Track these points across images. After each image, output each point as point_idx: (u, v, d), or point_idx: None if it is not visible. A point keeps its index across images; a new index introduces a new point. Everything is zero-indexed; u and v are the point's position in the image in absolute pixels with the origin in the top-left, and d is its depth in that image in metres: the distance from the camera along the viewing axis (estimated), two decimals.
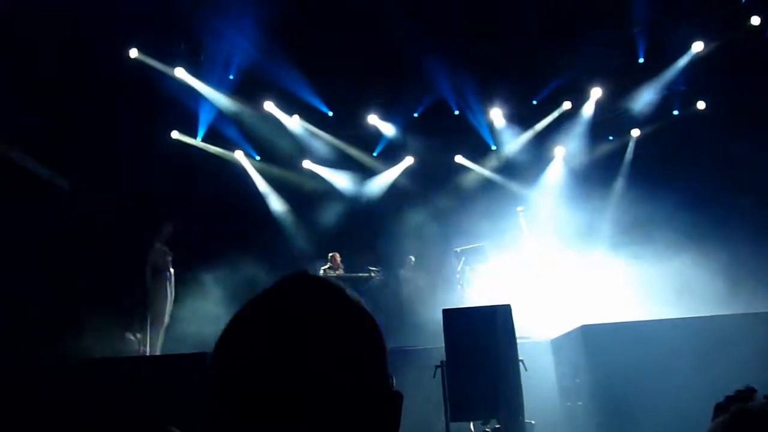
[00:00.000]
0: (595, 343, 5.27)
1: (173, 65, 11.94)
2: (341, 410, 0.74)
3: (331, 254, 11.45)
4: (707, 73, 12.05)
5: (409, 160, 14.02)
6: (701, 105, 12.66)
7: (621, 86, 12.86)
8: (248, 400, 0.74)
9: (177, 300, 9.46)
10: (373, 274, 11.31)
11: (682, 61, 12.10)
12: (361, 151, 14.05)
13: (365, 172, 14.10)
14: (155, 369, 5.69)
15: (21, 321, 8.62)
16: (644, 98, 12.94)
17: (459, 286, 10.09)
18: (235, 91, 12.64)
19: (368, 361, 0.80)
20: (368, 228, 13.00)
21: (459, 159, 14.01)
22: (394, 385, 0.86)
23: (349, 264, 11.66)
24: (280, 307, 0.80)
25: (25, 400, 5.08)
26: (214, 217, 12.04)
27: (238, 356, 0.77)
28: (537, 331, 7.89)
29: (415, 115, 13.56)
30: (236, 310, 0.84)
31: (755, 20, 10.91)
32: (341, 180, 13.97)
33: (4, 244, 8.58)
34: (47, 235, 9.35)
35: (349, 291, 0.87)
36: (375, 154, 14.15)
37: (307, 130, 13.60)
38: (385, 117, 13.61)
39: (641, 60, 12.21)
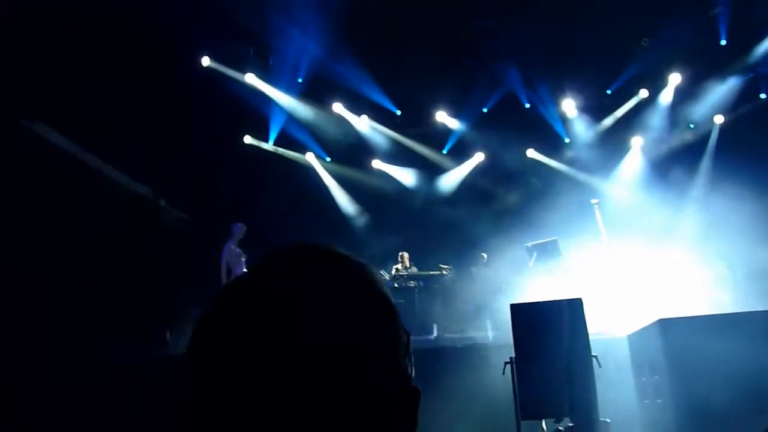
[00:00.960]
0: (674, 338, 5.00)
1: (244, 71, 12.25)
2: (329, 410, 0.65)
3: (400, 253, 11.46)
4: None
5: (479, 157, 13.83)
6: None
7: (702, 71, 12.23)
8: (222, 398, 0.65)
9: None
10: (444, 272, 11.22)
11: None
12: (430, 148, 13.98)
13: (436, 170, 14.02)
14: None
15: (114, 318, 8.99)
16: (728, 83, 12.25)
17: (531, 282, 9.85)
18: (304, 93, 12.86)
19: (370, 354, 0.68)
20: (440, 226, 12.90)
21: (531, 153, 13.70)
22: (413, 378, 0.75)
23: (422, 262, 11.61)
24: (263, 288, 0.70)
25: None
26: (286, 219, 12.26)
27: (212, 345, 0.68)
28: (613, 326, 7.59)
29: (485, 110, 13.37)
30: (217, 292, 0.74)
31: None
32: (411, 178, 13.94)
33: (96, 243, 8.98)
34: (131, 239, 9.77)
35: (363, 268, 0.75)
36: (445, 151, 14.04)
37: (375, 129, 13.65)
38: (454, 113, 13.50)
39: (723, 42, 11.56)
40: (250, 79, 12.37)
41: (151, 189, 10.95)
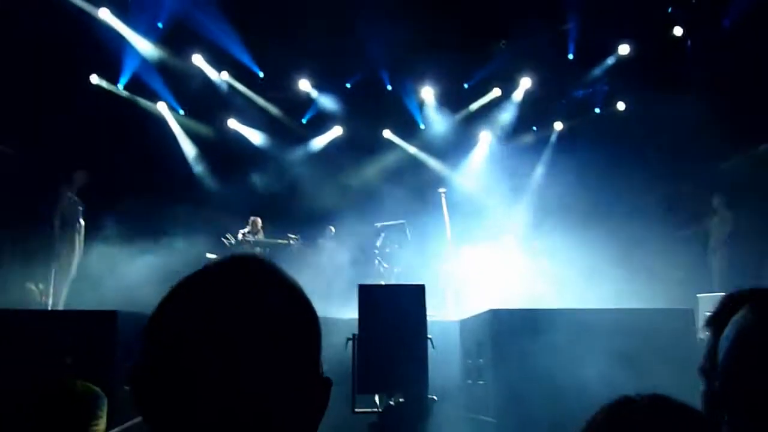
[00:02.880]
0: (502, 327, 5.52)
1: (98, 5, 11.31)
2: (270, 393, 0.77)
3: (252, 218, 11.33)
4: (630, 76, 12.60)
5: (337, 131, 13.96)
6: (621, 106, 13.22)
7: (550, 79, 13.26)
8: (179, 379, 0.75)
9: (85, 253, 9.13)
10: (291, 241, 11.27)
11: (608, 61, 12.57)
12: (289, 116, 13.87)
13: (292, 138, 13.93)
14: (60, 324, 5.50)
15: None
16: (570, 93, 13.43)
17: (377, 261, 10.24)
18: (162, 39, 12.15)
19: (302, 346, 0.83)
20: (290, 195, 12.90)
21: (387, 134, 14.08)
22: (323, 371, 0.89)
23: (269, 229, 11.58)
24: (218, 288, 0.81)
25: None
26: (130, 169, 11.61)
27: (170, 336, 0.78)
28: (449, 311, 8.16)
29: (348, 85, 13.50)
30: (173, 287, 0.83)
31: (678, 31, 11.45)
32: (267, 143, 13.76)
33: None
34: None
35: (289, 276, 0.88)
36: (304, 121, 14.01)
37: (235, 88, 13.27)
38: (318, 85, 13.47)
39: (570, 56, 12.61)
40: (104, 14, 11.45)
41: None
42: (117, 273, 8.91)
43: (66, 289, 8.80)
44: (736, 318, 0.94)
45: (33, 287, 10.13)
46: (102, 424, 3.46)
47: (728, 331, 0.95)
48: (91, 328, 5.01)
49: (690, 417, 1.05)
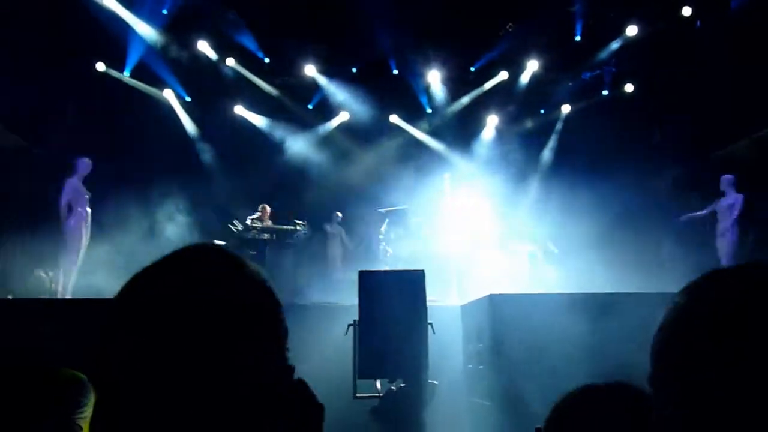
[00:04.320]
0: (501, 312, 5.53)
1: None
2: (234, 382, 0.77)
3: (261, 205, 11.38)
4: (638, 57, 12.46)
5: (344, 116, 13.93)
6: (629, 87, 13.09)
7: (556, 62, 13.14)
8: (141, 370, 0.75)
9: (92, 241, 9.22)
10: (298, 228, 11.31)
11: (616, 43, 12.42)
12: (296, 102, 13.85)
13: (299, 124, 13.92)
14: (63, 311, 5.58)
15: None
16: (577, 76, 13.31)
17: (382, 246, 10.27)
18: (167, 26, 12.15)
19: (265, 334, 0.82)
20: (297, 180, 12.94)
21: (394, 119, 14.03)
22: (293, 361, 0.87)
23: (275, 215, 11.63)
24: (175, 279, 0.81)
25: None
26: (139, 157, 11.68)
27: (127, 327, 0.78)
28: (452, 296, 8.18)
29: (354, 70, 13.44)
30: (133, 276, 0.83)
31: (686, 11, 11.28)
32: (273, 129, 13.76)
33: None
34: None
35: (253, 267, 0.87)
36: (310, 106, 13.99)
37: (241, 74, 13.26)
38: (324, 70, 13.42)
39: (578, 38, 12.47)
40: (109, 2, 11.46)
41: None
42: (123, 260, 8.98)
43: (74, 277, 8.91)
44: (673, 300, 0.94)
45: (43, 274, 10.28)
46: (87, 412, 3.50)
47: (665, 313, 0.94)
48: (93, 317, 5.07)
49: (647, 403, 1.06)
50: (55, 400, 3.27)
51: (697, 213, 9.89)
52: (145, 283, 0.82)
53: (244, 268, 0.86)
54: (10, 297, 8.24)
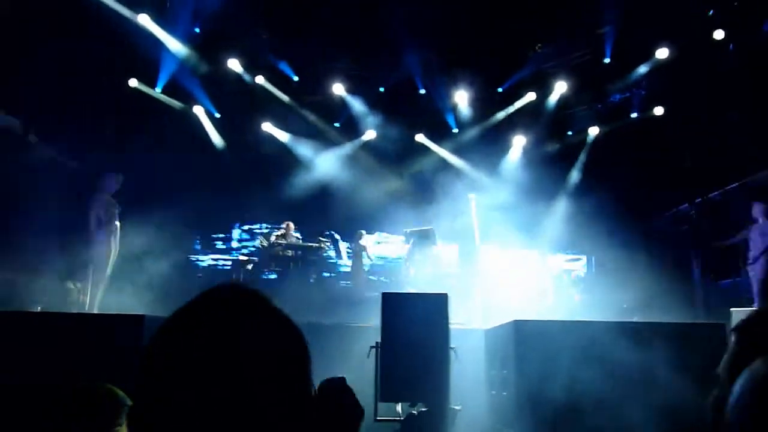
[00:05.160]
0: (526, 338, 5.46)
1: (138, 11, 11.57)
2: (262, 417, 0.81)
3: (286, 222, 11.45)
4: (668, 80, 12.32)
5: (371, 134, 14.00)
6: (659, 110, 12.94)
7: (586, 83, 13.06)
8: (174, 406, 0.79)
9: (121, 254, 9.34)
10: (323, 245, 11.36)
11: (646, 66, 12.31)
12: (323, 120, 13.96)
13: (326, 141, 14.03)
14: (90, 326, 5.65)
15: None
16: (606, 98, 13.21)
17: (406, 266, 10.24)
18: (199, 44, 12.37)
19: (291, 371, 0.86)
20: (322, 198, 13.00)
21: (420, 138, 14.05)
22: (315, 388, 0.94)
23: (300, 232, 11.69)
24: (209, 317, 0.85)
25: None
26: (169, 173, 11.84)
27: (165, 366, 0.82)
28: (474, 319, 8.11)
29: (381, 89, 13.52)
30: (169, 317, 0.87)
31: (719, 34, 11.14)
32: (300, 146, 13.88)
33: None
34: None
35: (274, 303, 0.91)
36: (337, 124, 14.09)
37: (270, 92, 13.42)
38: (351, 89, 13.52)
39: (607, 60, 12.38)
40: (144, 20, 11.70)
41: (20, 122, 10.20)
42: (150, 276, 9.08)
43: (102, 290, 9.02)
44: (752, 368, 0.91)
45: (72, 286, 10.43)
46: (124, 429, 3.53)
47: (742, 380, 0.91)
48: (119, 332, 5.13)
49: None
50: (92, 415, 3.30)
51: (729, 240, 9.70)
52: (181, 326, 0.86)
53: (275, 313, 0.90)
54: (39, 309, 8.37)
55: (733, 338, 1.40)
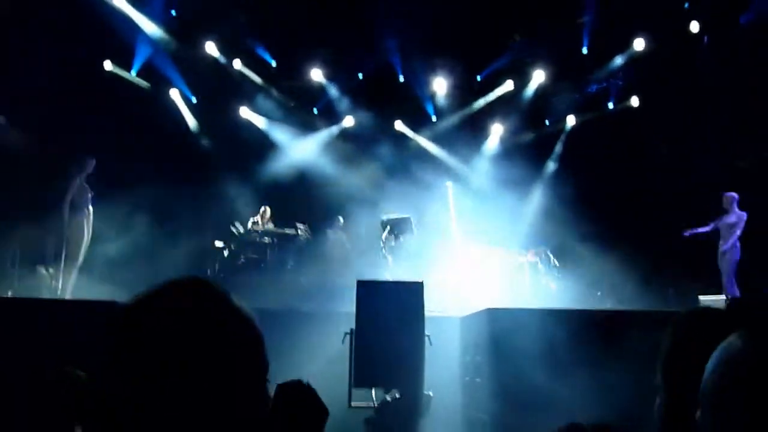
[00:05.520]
0: (499, 326, 5.52)
1: None
2: (222, 408, 0.82)
3: (263, 208, 11.37)
4: (644, 71, 12.44)
5: (349, 121, 13.95)
6: (635, 101, 13.07)
7: (563, 73, 13.13)
8: (138, 399, 0.80)
9: (94, 239, 9.22)
10: (300, 231, 11.30)
11: (623, 57, 12.41)
12: (301, 105, 13.88)
13: (303, 127, 13.94)
14: (60, 312, 5.59)
15: None
16: (583, 87, 13.31)
17: (383, 254, 10.25)
18: (176, 28, 12.19)
19: (249, 362, 0.88)
20: (300, 184, 12.94)
21: (399, 126, 14.04)
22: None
23: (278, 219, 11.62)
24: (166, 308, 0.86)
25: None
26: (141, 156, 11.69)
27: (121, 354, 0.84)
28: (449, 307, 8.16)
29: (360, 76, 13.46)
30: (133, 301, 0.89)
31: (695, 26, 11.27)
32: (278, 132, 13.78)
33: None
34: None
35: (234, 300, 0.92)
36: (315, 110, 14.01)
37: (247, 77, 13.29)
38: (330, 75, 13.44)
39: (585, 50, 12.46)
40: (118, 1, 11.49)
41: None
42: (124, 260, 8.99)
43: (74, 275, 8.91)
44: (727, 343, 0.92)
45: (44, 271, 10.29)
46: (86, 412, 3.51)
47: (718, 357, 0.92)
48: (91, 318, 5.08)
49: None
50: (56, 399, 3.28)
51: (700, 229, 9.84)
52: (143, 312, 0.87)
53: (230, 303, 0.90)
54: (9, 294, 8.26)
55: (668, 338, 1.40)
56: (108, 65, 12.25)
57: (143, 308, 0.88)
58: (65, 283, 8.83)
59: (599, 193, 11.85)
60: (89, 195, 9.08)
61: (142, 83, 12.71)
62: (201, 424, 0.81)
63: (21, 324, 5.41)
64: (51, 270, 9.98)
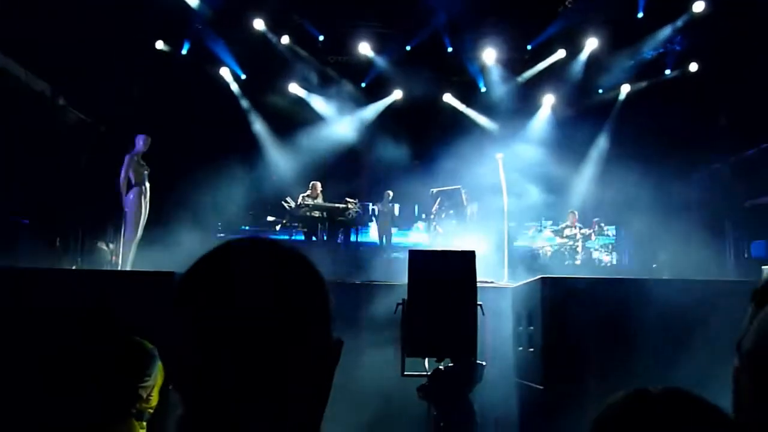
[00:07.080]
0: (553, 295, 5.43)
1: None
2: (286, 358, 0.83)
3: (312, 182, 11.47)
4: (704, 35, 11.93)
5: (397, 94, 13.88)
6: (694, 67, 12.57)
7: (617, 40, 12.71)
8: (205, 350, 0.81)
9: (151, 215, 9.48)
10: (350, 206, 11.36)
11: (681, 20, 11.91)
12: (349, 79, 13.86)
13: (352, 102, 13.94)
14: (123, 283, 5.77)
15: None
16: (639, 54, 12.85)
17: (433, 226, 10.23)
18: (224, 6, 12.29)
19: (309, 315, 0.87)
20: (349, 158, 13.00)
21: (447, 98, 13.88)
22: (336, 336, 0.92)
23: (327, 193, 11.71)
24: (227, 265, 0.87)
25: None
26: (193, 134, 11.92)
27: (195, 314, 0.83)
28: (502, 277, 8.10)
29: (408, 48, 13.33)
30: (187, 269, 0.88)
31: None
32: (327, 108, 13.82)
33: None
34: (25, 140, 9.23)
35: (296, 250, 0.92)
36: (363, 84, 13.98)
37: (296, 52, 13.34)
38: (378, 48, 13.36)
39: (640, 14, 12.01)
40: None
41: (50, 86, 10.31)
42: (179, 235, 9.22)
43: (134, 250, 9.19)
44: None
45: (104, 247, 10.67)
46: (152, 380, 3.63)
47: (762, 319, 0.89)
48: (150, 289, 5.23)
49: (708, 413, 1.01)
50: (121, 367, 3.40)
51: (765, 198, 9.47)
52: (202, 275, 0.87)
53: (295, 259, 0.91)
54: (74, 268, 8.58)
55: (750, 306, 1.35)
56: (159, 44, 12.47)
57: (207, 264, 0.88)
58: (125, 258, 9.12)
59: (655, 163, 11.48)
60: (146, 172, 9.33)
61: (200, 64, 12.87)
62: (275, 378, 0.82)
63: (84, 295, 5.60)
64: (111, 246, 10.34)
